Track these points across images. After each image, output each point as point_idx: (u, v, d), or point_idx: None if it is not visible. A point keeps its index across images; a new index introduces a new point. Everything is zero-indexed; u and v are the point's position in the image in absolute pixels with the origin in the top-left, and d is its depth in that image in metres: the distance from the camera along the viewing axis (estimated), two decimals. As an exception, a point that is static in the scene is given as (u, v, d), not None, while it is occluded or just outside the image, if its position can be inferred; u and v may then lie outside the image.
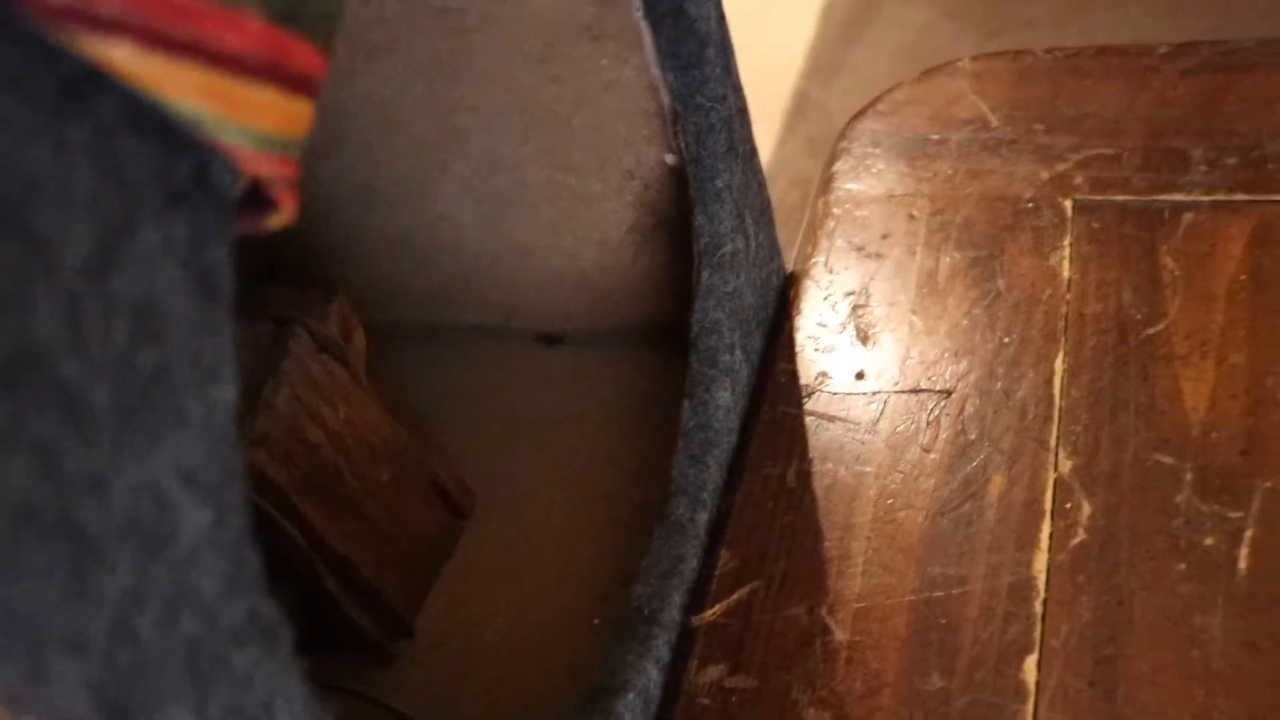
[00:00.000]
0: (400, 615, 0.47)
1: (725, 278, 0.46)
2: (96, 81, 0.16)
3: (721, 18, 0.45)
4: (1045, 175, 0.54)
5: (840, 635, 0.41)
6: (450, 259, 0.57)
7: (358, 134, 0.53)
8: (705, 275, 0.46)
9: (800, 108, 1.73)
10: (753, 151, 0.49)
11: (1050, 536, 0.42)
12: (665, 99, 0.46)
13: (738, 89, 0.47)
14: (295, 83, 0.18)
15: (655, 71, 0.45)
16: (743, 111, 0.47)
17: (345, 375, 0.47)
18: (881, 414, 0.47)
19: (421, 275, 0.58)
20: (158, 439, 0.18)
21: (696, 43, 0.43)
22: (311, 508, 0.43)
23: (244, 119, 0.17)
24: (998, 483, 0.43)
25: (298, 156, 0.19)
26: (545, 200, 0.53)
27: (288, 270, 0.55)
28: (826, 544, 0.43)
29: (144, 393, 0.18)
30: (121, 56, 0.15)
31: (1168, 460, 0.43)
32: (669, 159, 0.48)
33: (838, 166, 0.58)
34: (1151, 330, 0.47)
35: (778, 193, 1.63)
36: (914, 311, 0.50)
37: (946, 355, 0.48)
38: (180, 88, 0.16)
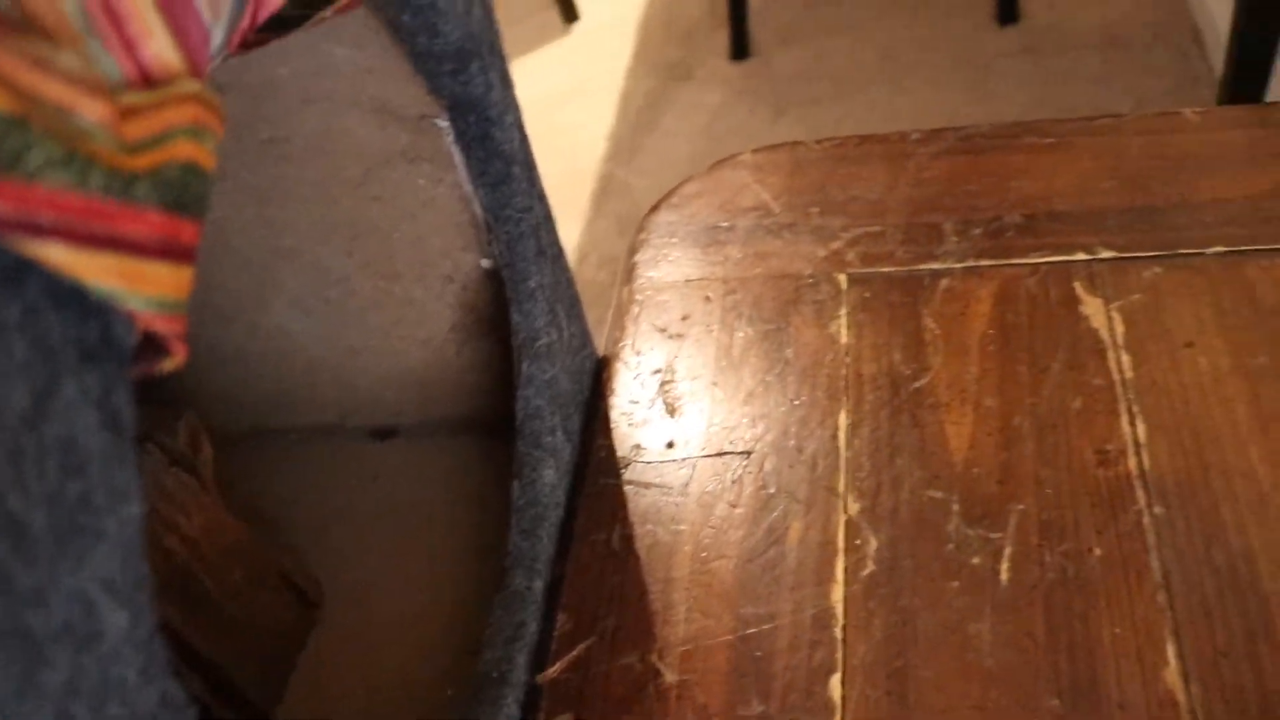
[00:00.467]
0: (262, 708, 0.50)
1: (543, 368, 0.51)
2: (24, 268, 0.21)
3: (524, 138, 0.50)
4: (822, 253, 0.62)
5: (670, 677, 0.46)
6: (285, 366, 0.61)
7: (192, 256, 0.56)
8: (525, 367, 0.51)
9: (606, 189, 1.81)
10: (560, 253, 0.55)
11: (844, 570, 0.48)
12: (478, 211, 0.51)
13: (542, 199, 0.52)
14: (182, 255, 0.23)
15: (467, 188, 0.50)
16: (548, 218, 0.53)
17: (196, 484, 0.50)
18: (691, 477, 0.52)
19: (258, 383, 0.62)
20: (84, 554, 0.23)
21: (503, 162, 0.48)
22: (173, 612, 0.47)
23: (146, 290, 0.22)
24: (796, 528, 0.49)
25: (183, 313, 0.24)
26: (372, 307, 0.57)
27: (135, 385, 0.58)
28: (651, 597, 0.48)
29: (72, 516, 0.22)
30: (55, 254, 0.20)
31: (938, 495, 0.50)
32: (485, 263, 0.53)
33: (638, 257, 0.64)
34: (918, 384, 0.54)
35: (590, 271, 1.70)
36: (714, 383, 0.56)
37: (745, 420, 0.54)
38: (99, 272, 0.21)
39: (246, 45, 0.35)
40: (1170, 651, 0.44)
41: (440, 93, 0.46)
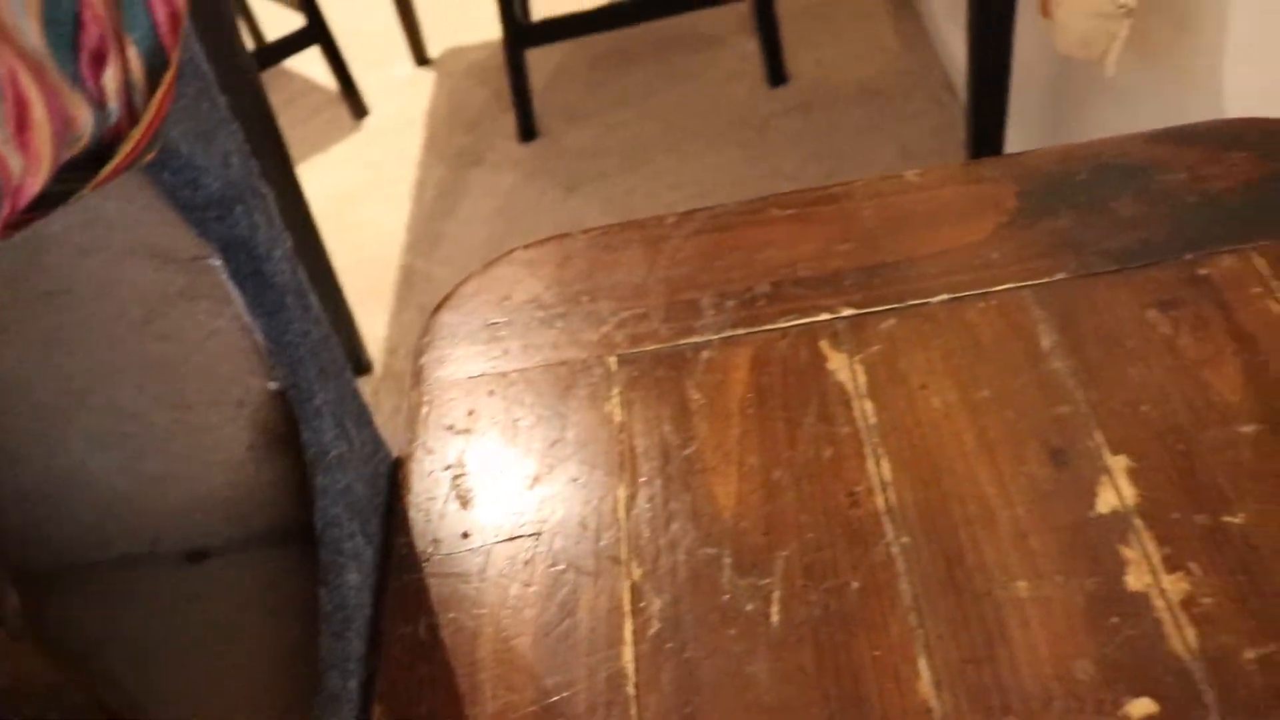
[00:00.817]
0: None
1: (336, 478, 0.54)
2: None
3: (294, 269, 0.54)
4: (592, 338, 0.66)
5: (482, 753, 0.49)
6: (89, 501, 0.63)
7: (-20, 404, 0.58)
8: (319, 479, 0.54)
9: (410, 280, 1.84)
10: (344, 368, 0.58)
11: (633, 632, 0.52)
12: (259, 339, 0.54)
13: (320, 322, 0.56)
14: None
15: (247, 319, 0.53)
16: (327, 339, 0.56)
17: (3, 634, 0.52)
18: (487, 563, 0.56)
19: (63, 520, 0.63)
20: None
21: (276, 293, 0.52)
22: (-7, 762, 0.48)
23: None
24: (586, 599, 0.54)
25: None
26: (170, 436, 0.59)
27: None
28: (459, 681, 0.52)
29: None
30: None
31: (711, 551, 0.55)
32: (272, 386, 0.56)
33: (424, 359, 0.68)
34: (687, 451, 0.59)
35: (400, 363, 1.73)
36: (503, 472, 0.60)
37: (533, 504, 0.58)
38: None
39: (13, 227, 0.38)
40: (922, 665, 0.50)
41: (209, 236, 0.50)
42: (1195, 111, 1.08)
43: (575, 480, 0.59)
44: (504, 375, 0.65)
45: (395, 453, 0.64)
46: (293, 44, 2.17)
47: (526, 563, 0.56)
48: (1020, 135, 1.62)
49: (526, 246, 0.75)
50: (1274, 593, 0.50)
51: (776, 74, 2.07)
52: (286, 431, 0.58)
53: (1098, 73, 1.16)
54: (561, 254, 0.73)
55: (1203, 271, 0.65)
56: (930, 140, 1.87)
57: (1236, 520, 0.53)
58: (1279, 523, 0.53)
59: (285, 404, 0.57)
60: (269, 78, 2.44)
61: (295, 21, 2.15)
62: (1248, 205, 0.68)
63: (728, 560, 0.54)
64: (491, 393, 0.65)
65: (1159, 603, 0.51)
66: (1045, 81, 1.49)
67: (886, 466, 0.57)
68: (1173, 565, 0.52)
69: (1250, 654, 0.49)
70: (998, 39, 1.29)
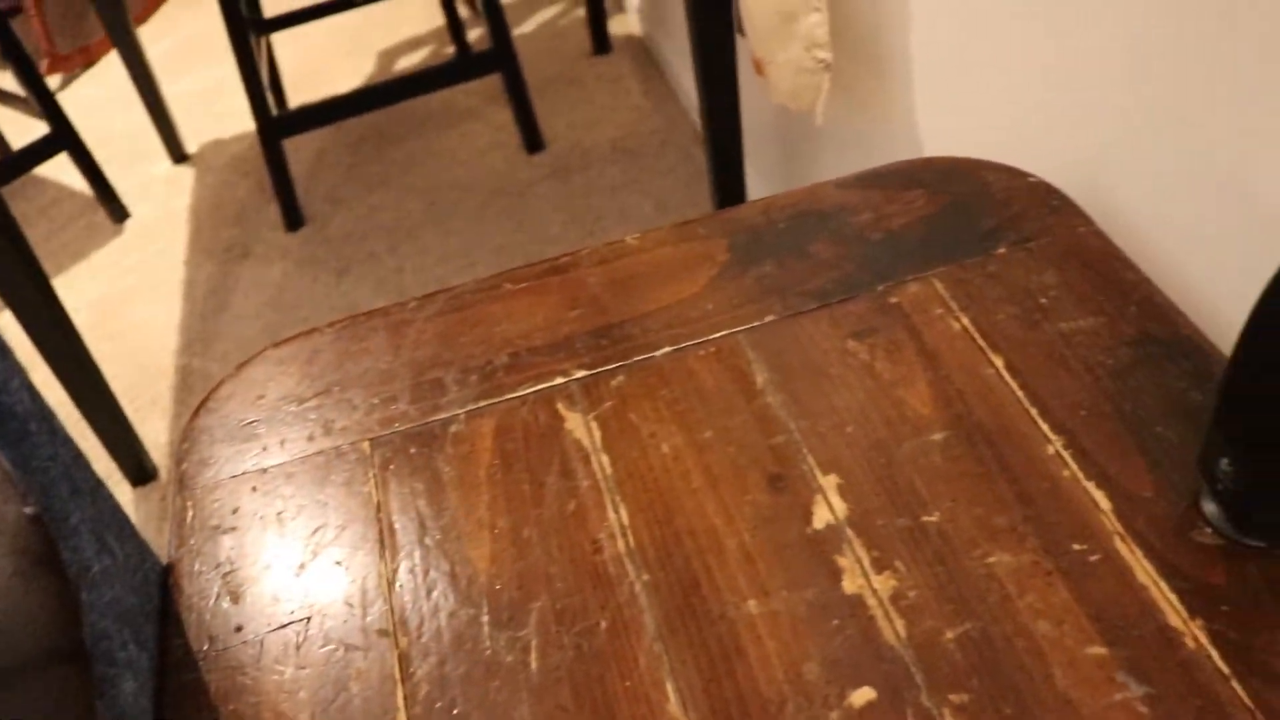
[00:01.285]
0: None
1: (101, 592, 0.56)
2: None
3: (35, 395, 0.56)
4: (347, 425, 0.70)
5: (268, 833, 0.52)
6: None
7: None
8: (84, 595, 0.56)
9: (187, 382, 1.82)
10: (98, 485, 0.60)
11: (404, 698, 0.56)
12: (8, 467, 0.56)
13: (68, 443, 0.58)
14: None
15: (-8, 450, 0.55)
16: (77, 458, 0.59)
17: None
18: (261, 653, 0.59)
19: None
20: None
21: (18, 422, 0.54)
22: None
23: None
24: (357, 673, 0.57)
25: None
26: (-70, 573, 0.60)
27: None
28: (240, 768, 0.54)
29: None
30: None
31: (471, 612, 0.59)
32: (28, 510, 0.58)
33: (184, 465, 0.70)
34: (443, 521, 0.63)
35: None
36: (270, 565, 0.63)
37: (299, 591, 0.61)
38: None
39: None
40: (670, 688, 0.55)
41: (-56, 377, 0.52)
42: (899, 151, 1.19)
43: (339, 563, 0.62)
44: (264, 471, 0.68)
45: (168, 558, 0.66)
46: (39, 152, 2.13)
47: (298, 647, 0.59)
48: (761, 181, 1.73)
49: (276, 345, 0.78)
50: (965, 577, 0.58)
51: (532, 141, 2.14)
52: (47, 552, 0.60)
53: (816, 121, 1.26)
54: (310, 348, 0.76)
55: (893, 300, 0.73)
56: (683, 192, 1.96)
57: (933, 519, 0.60)
58: (967, 515, 0.60)
59: (43, 526, 0.59)
60: (19, 187, 2.38)
61: (40, 129, 2.11)
62: (926, 237, 0.77)
63: (486, 618, 0.58)
64: (254, 489, 0.67)
65: (871, 601, 0.57)
66: (775, 131, 1.60)
67: (625, 512, 0.62)
68: (881, 566, 0.59)
69: (950, 634, 0.56)
70: (725, 96, 1.38)
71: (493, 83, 2.31)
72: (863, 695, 0.54)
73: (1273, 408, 0.54)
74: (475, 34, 2.51)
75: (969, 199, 0.80)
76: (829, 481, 0.63)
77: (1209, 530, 0.58)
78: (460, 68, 2.03)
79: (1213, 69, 0.70)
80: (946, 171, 0.83)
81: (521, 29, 2.54)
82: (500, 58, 2.00)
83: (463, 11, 2.56)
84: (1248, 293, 0.53)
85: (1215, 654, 0.53)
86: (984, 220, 0.78)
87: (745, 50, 1.39)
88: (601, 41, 2.40)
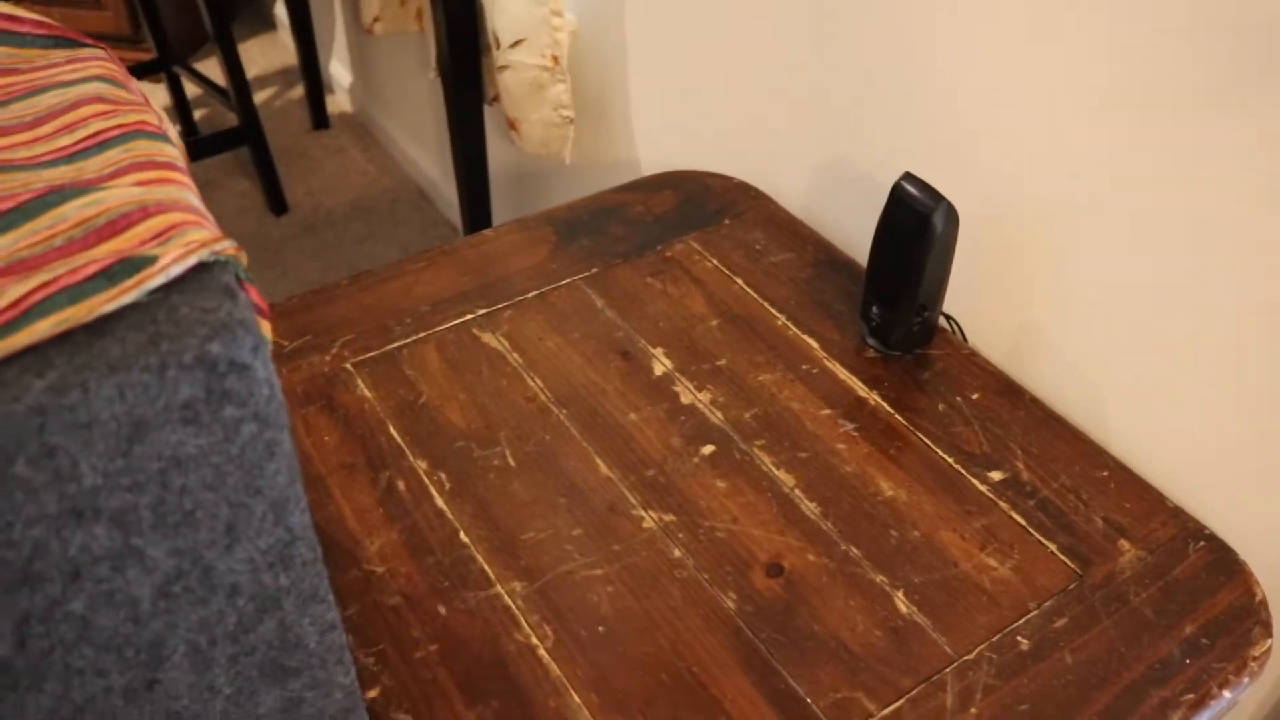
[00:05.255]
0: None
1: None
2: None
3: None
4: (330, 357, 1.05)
5: None
6: None
7: None
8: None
9: None
10: None
11: (435, 490, 0.92)
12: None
13: None
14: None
15: None
16: None
17: None
18: (335, 479, 0.93)
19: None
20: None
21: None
22: None
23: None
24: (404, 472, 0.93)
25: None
26: None
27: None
28: None
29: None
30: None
31: (461, 444, 0.96)
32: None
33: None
34: (421, 401, 1.00)
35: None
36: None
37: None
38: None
39: None
40: (598, 461, 0.94)
41: None
42: (627, 175, 1.63)
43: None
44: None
45: None
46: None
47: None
48: (505, 212, 2.13)
49: (254, 318, 1.11)
50: (748, 388, 1.00)
51: (277, 204, 2.44)
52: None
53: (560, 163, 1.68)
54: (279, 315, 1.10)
55: (668, 254, 1.15)
56: (421, 237, 2.33)
57: (723, 363, 1.03)
58: (741, 359, 1.03)
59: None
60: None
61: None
62: (679, 217, 1.21)
63: (474, 446, 0.95)
64: (284, 399, 1.01)
65: (701, 406, 0.99)
66: (520, 172, 2.01)
67: (539, 380, 1.01)
68: (700, 388, 1.00)
69: (747, 415, 0.98)
70: (475, 149, 1.78)
71: (226, 157, 2.60)
72: (708, 449, 0.95)
73: (889, 281, 1.01)
74: (199, 113, 2.78)
75: (699, 193, 1.25)
76: (658, 351, 1.04)
77: (871, 348, 1.04)
78: (212, 142, 2.32)
79: (822, 101, 1.17)
80: (682, 179, 1.27)
81: (239, 111, 2.83)
82: (249, 131, 2.30)
83: (191, 91, 2.82)
84: (864, 227, 0.99)
85: (886, 405, 0.98)
86: (710, 205, 1.23)
87: (490, 115, 1.80)
88: (321, 118, 2.73)
